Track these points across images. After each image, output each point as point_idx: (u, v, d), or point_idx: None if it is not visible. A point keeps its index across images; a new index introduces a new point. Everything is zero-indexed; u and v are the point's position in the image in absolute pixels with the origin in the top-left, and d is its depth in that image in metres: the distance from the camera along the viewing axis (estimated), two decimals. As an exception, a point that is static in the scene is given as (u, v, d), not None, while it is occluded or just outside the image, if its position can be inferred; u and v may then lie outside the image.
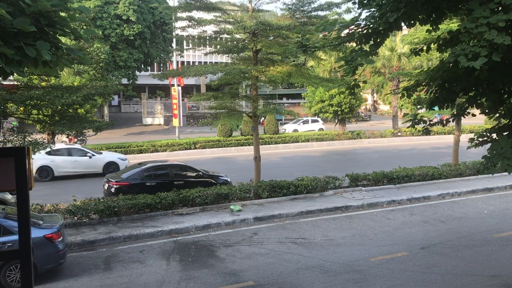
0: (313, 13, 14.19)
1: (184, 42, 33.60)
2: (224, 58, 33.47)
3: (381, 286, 8.14)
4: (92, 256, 9.89)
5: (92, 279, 8.62)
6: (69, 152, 20.22)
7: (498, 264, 9.18)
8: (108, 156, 21.10)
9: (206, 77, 45.46)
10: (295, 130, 38.56)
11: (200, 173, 14.81)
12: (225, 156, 24.85)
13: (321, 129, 39.40)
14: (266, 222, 12.41)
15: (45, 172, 19.41)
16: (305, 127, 39.90)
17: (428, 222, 12.27)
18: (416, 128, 8.17)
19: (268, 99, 22.85)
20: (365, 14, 6.74)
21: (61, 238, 8.78)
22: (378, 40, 6.43)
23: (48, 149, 19.06)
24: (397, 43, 35.93)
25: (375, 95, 67.91)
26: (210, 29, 14.77)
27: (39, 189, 16.16)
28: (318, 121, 41.17)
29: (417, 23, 6.58)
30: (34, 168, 18.92)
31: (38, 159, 18.91)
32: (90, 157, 20.20)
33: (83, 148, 21.04)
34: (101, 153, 21.18)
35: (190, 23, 14.21)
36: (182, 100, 35.86)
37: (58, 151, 19.85)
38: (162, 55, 47.16)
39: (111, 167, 20.19)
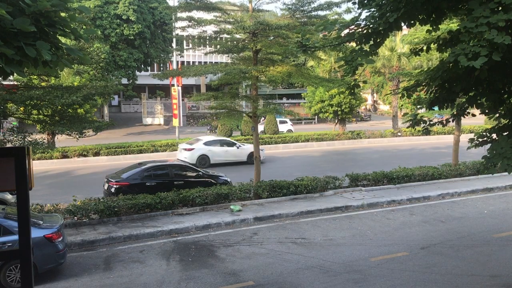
0: (313, 13, 14.19)
1: (184, 42, 33.66)
2: (224, 58, 33.45)
3: (381, 286, 8.15)
4: (92, 256, 9.89)
5: (92, 279, 8.63)
6: (221, 143, 23.18)
7: (498, 264, 9.18)
8: (251, 147, 23.02)
9: (206, 77, 45.46)
10: (263, 132, 35.62)
11: (200, 173, 14.82)
12: (225, 156, 24.88)
13: (289, 130, 38.57)
14: (266, 222, 12.41)
15: (204, 160, 22.05)
16: None
17: (428, 222, 12.27)
18: (416, 128, 8.16)
19: (268, 99, 22.83)
20: (365, 14, 6.75)
21: (61, 238, 8.78)
22: (378, 40, 6.43)
23: (205, 140, 22.54)
24: (397, 43, 35.91)
25: (375, 95, 67.96)
26: (210, 29, 14.76)
27: (39, 189, 16.16)
28: (286, 122, 40.31)
29: (417, 23, 6.57)
30: (196, 157, 21.77)
31: (199, 149, 22.09)
32: (238, 148, 23.09)
33: (231, 140, 24.01)
34: (244, 145, 23.90)
35: (190, 23, 14.20)
36: (182, 100, 35.82)
37: (213, 142, 22.88)
38: (162, 55, 47.16)
39: (253, 156, 22.29)
